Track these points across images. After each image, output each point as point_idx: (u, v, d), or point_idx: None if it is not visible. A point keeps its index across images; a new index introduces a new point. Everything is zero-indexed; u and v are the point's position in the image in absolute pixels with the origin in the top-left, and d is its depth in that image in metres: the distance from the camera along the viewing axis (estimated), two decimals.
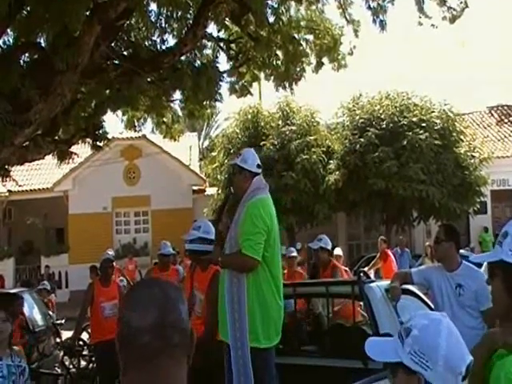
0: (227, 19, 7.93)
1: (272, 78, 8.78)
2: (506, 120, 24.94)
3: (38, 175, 22.10)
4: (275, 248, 3.90)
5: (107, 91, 7.63)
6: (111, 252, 7.82)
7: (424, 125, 16.95)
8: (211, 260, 4.04)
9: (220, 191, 18.75)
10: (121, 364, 1.36)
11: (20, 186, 20.54)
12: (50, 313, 10.31)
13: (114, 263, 7.34)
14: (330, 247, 7.24)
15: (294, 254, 8.02)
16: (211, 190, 21.02)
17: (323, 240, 7.22)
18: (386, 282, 4.66)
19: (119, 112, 8.94)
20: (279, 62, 8.50)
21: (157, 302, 1.35)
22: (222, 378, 3.95)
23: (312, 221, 17.80)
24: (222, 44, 8.31)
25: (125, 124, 9.50)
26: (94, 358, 7.90)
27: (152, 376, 1.31)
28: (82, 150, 10.62)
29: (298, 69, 8.60)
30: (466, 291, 4.08)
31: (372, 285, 4.47)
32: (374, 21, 7.58)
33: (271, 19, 7.85)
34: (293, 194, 16.69)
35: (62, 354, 8.88)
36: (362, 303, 4.83)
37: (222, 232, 4.11)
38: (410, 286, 4.56)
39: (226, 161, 18.23)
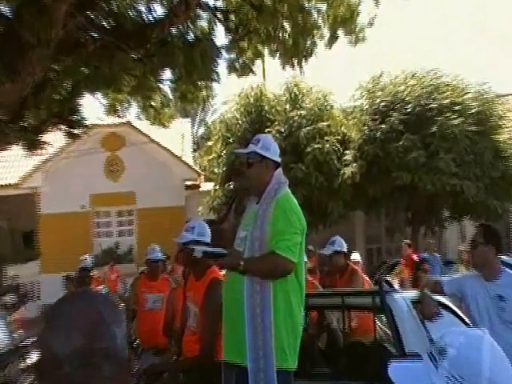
0: None
1: (278, 54, 8.71)
2: None
3: (3, 169, 22.01)
4: (303, 252, 3.88)
5: (84, 70, 7.63)
6: (89, 259, 7.83)
7: (457, 108, 16.70)
8: (228, 265, 3.80)
9: (217, 186, 18.72)
10: None
11: None
12: (17, 332, 10.38)
13: (93, 272, 7.35)
14: (345, 249, 7.11)
15: (304, 259, 8.02)
16: (207, 186, 20.92)
17: (337, 242, 7.05)
18: (412, 293, 4.66)
19: (99, 94, 8.93)
20: (286, 36, 8.41)
21: (85, 323, 1.28)
22: None
23: (325, 221, 17.74)
24: (219, 14, 8.25)
25: (105, 108, 9.47)
26: None
27: None
28: (55, 138, 10.64)
29: (309, 43, 8.53)
30: (508, 303, 4.07)
31: (396, 295, 4.48)
32: None
33: None
34: (302, 190, 16.61)
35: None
36: (383, 317, 4.84)
37: (227, 232, 4.01)
38: (441, 298, 4.56)
39: (224, 151, 18.21)
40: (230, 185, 17.52)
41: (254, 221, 3.81)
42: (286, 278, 3.67)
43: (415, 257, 11.46)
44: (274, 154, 3.95)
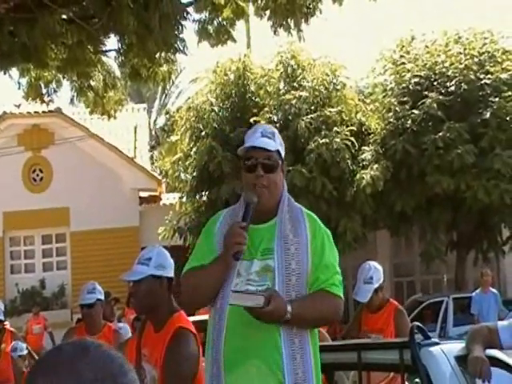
0: None
1: (268, 12, 8.71)
2: None
3: None
4: None
5: None
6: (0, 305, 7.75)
7: None
8: (275, 313, 3.60)
9: (185, 198, 18.60)
10: None
11: None
12: None
13: (7, 324, 7.23)
14: (382, 281, 7.05)
15: None
16: (170, 198, 20.91)
17: (374, 276, 6.88)
18: (456, 345, 4.60)
19: (14, 71, 8.86)
20: None
21: None
22: None
23: (335, 244, 17.71)
24: None
25: (25, 91, 9.40)
26: None
27: None
28: None
29: None
30: None
31: (433, 349, 4.37)
32: None
33: None
34: (303, 201, 16.60)
35: None
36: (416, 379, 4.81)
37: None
38: (496, 352, 4.41)
39: (194, 149, 18.15)
40: (202, 196, 17.42)
41: (280, 245, 3.79)
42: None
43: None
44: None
